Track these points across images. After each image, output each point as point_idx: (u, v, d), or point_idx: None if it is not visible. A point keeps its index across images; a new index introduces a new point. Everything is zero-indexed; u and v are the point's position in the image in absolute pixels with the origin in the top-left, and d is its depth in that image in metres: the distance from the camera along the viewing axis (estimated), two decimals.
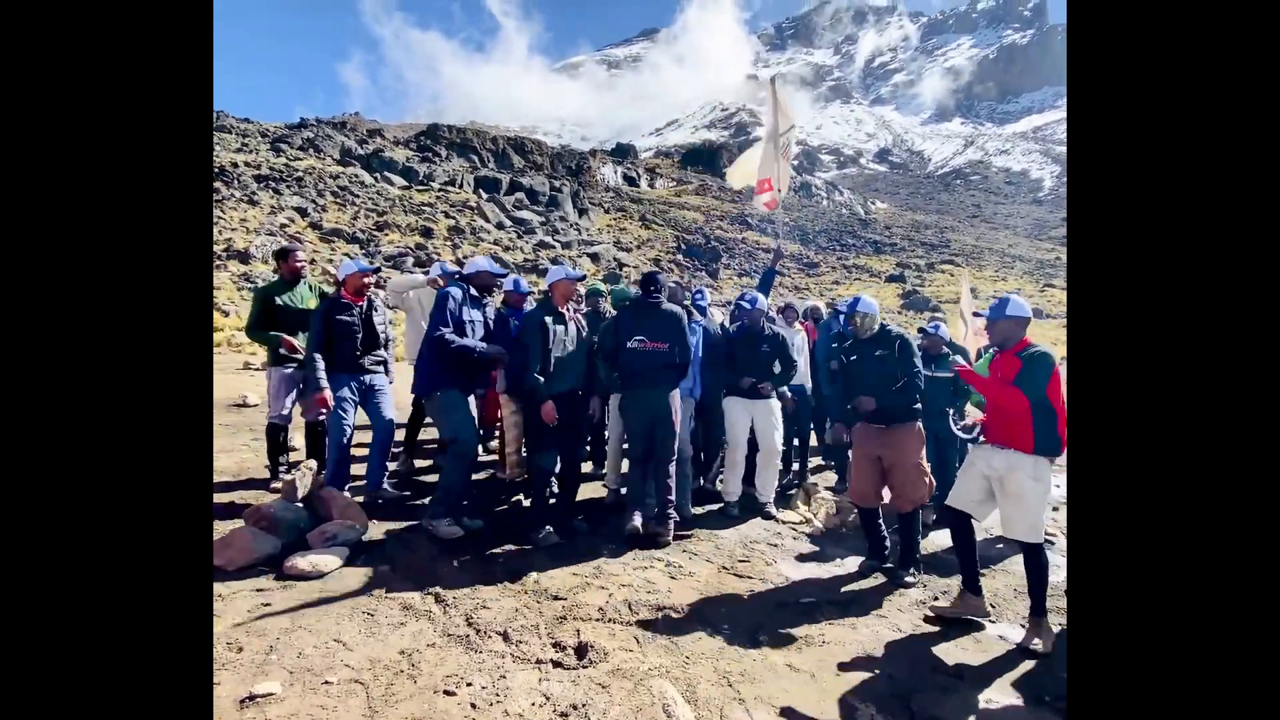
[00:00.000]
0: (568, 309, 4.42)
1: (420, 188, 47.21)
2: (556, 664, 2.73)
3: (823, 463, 7.12)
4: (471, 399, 4.44)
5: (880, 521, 4.10)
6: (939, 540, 4.72)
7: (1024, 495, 3.20)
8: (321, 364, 4.31)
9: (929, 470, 4.05)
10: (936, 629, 3.34)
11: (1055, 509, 5.68)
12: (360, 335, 4.55)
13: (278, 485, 4.74)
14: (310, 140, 48.93)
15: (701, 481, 5.47)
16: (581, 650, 2.83)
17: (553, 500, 4.48)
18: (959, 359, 4.18)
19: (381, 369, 4.73)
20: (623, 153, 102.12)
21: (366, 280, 4.64)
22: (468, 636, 2.90)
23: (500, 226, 42.65)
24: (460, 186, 50.63)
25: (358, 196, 39.30)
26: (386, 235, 33.33)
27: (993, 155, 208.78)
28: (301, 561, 3.42)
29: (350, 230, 31.58)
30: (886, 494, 4.10)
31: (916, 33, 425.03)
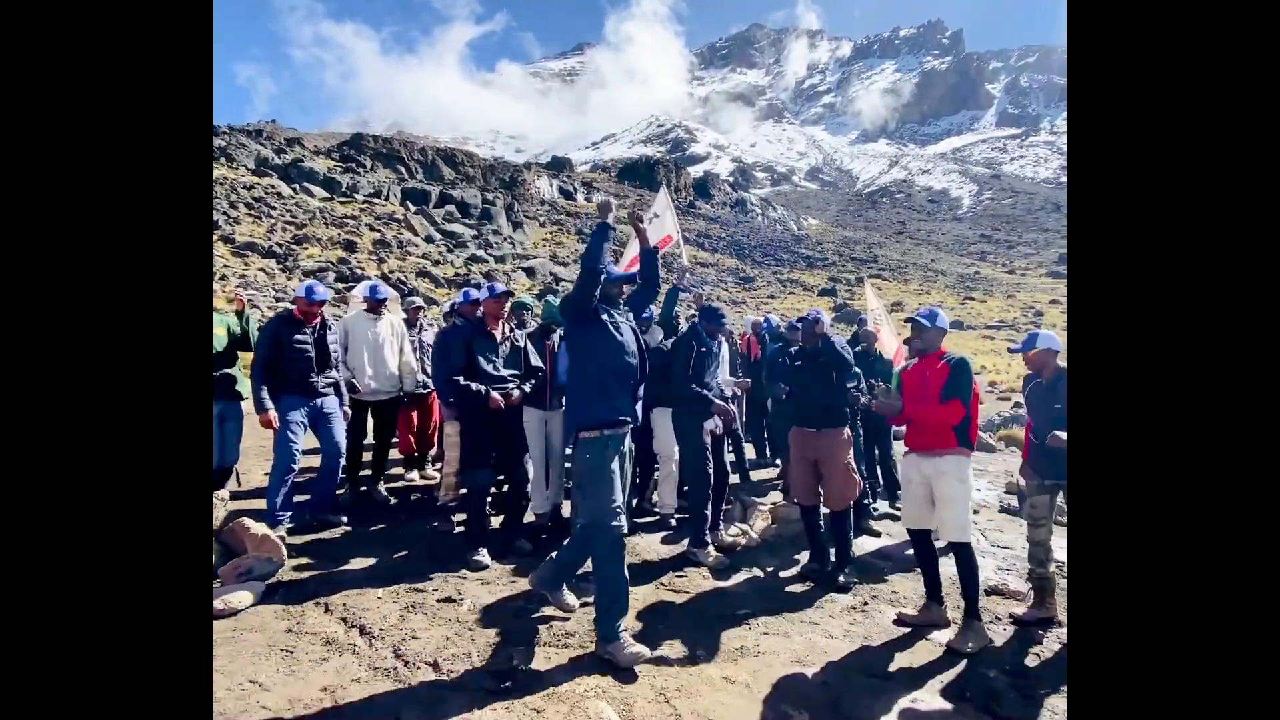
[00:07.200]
0: (500, 328, 4.38)
1: (343, 199, 45.49)
2: (490, 691, 2.66)
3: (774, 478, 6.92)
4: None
5: (819, 521, 4.26)
6: (866, 544, 4.87)
7: (953, 498, 3.42)
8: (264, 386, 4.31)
9: (857, 471, 4.22)
10: (865, 634, 3.43)
11: (976, 511, 5.96)
12: (313, 356, 4.46)
13: None
14: (221, 148, 46.35)
15: (637, 500, 5.43)
16: (516, 676, 2.76)
17: (497, 521, 4.39)
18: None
19: (332, 391, 4.63)
20: (558, 166, 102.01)
21: (316, 309, 4.56)
22: (395, 669, 2.79)
23: (429, 240, 41.61)
24: (386, 199, 49.13)
25: (274, 208, 37.45)
26: (306, 249, 31.83)
27: (916, 175, 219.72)
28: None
29: (266, 244, 29.96)
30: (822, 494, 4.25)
31: (849, 52, 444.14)
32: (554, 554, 3.29)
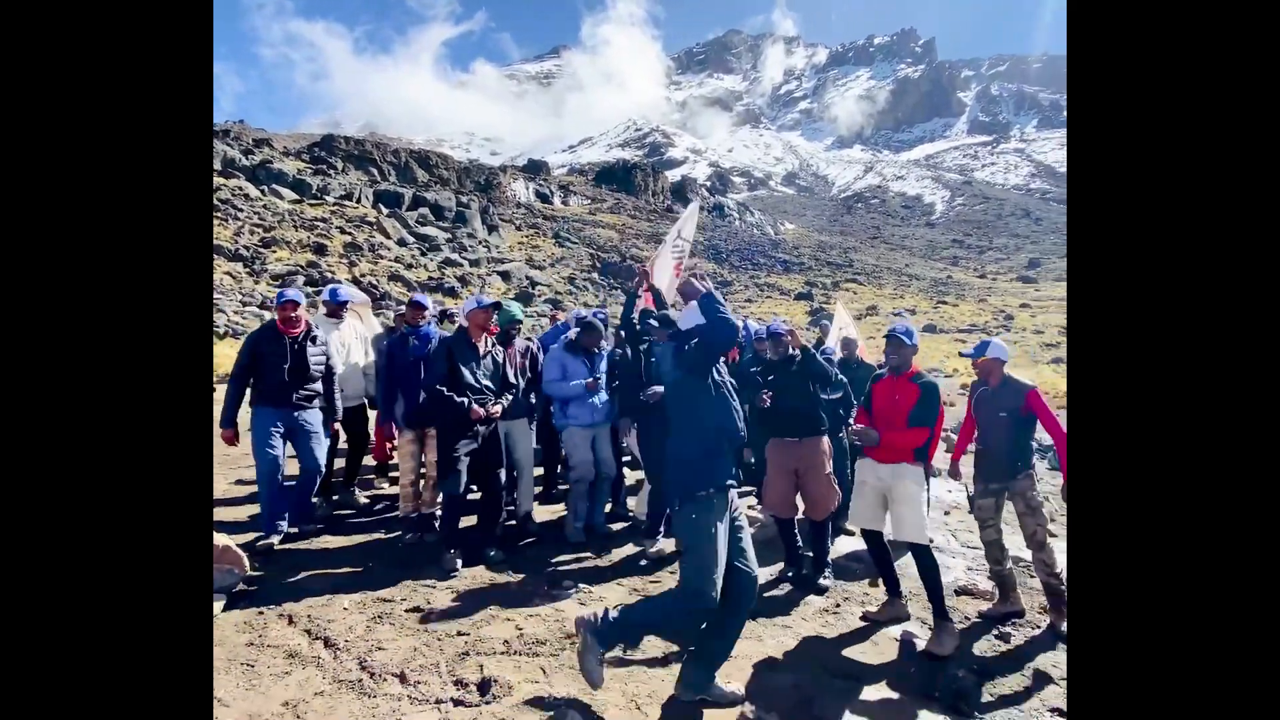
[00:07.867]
0: (484, 340, 4.34)
1: (313, 201, 44.54)
2: (458, 702, 2.62)
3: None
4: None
5: (795, 531, 4.27)
6: (840, 547, 4.89)
7: (910, 497, 3.51)
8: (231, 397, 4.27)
9: (836, 481, 4.24)
10: (837, 635, 3.46)
11: (947, 513, 6.04)
12: (288, 366, 4.34)
13: None
14: None
15: (611, 506, 5.40)
16: (485, 686, 2.72)
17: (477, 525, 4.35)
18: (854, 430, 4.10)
19: (311, 404, 4.51)
20: (535, 169, 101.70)
21: (293, 314, 4.43)
22: (361, 681, 2.73)
23: (402, 243, 40.92)
24: (358, 201, 48.23)
25: (241, 210, 36.50)
26: (274, 252, 31.01)
27: (890, 180, 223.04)
28: None
29: (232, 247, 29.12)
30: (800, 504, 4.27)
31: (825, 59, 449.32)
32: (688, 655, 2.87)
